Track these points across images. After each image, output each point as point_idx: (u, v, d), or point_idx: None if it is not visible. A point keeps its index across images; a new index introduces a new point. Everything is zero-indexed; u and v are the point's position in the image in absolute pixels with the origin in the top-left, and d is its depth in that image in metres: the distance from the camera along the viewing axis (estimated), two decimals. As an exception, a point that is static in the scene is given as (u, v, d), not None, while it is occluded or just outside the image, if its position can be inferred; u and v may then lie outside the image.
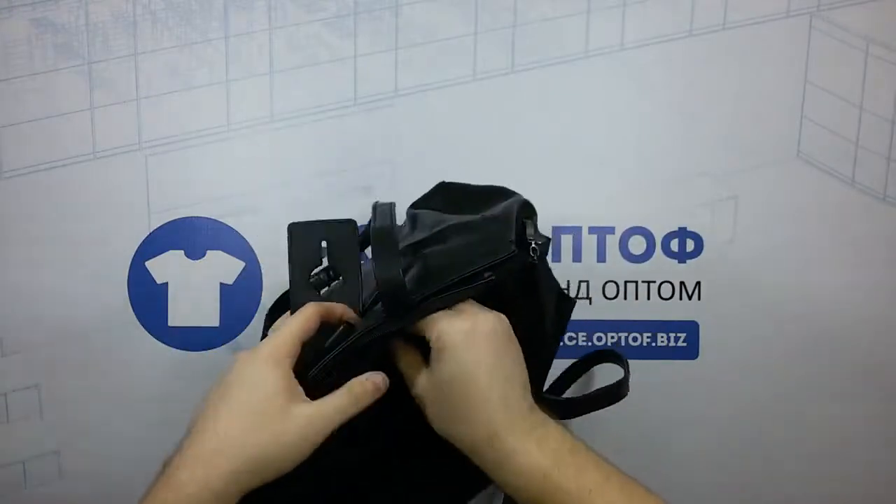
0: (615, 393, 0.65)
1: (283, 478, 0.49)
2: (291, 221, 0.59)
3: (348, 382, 0.52)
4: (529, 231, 0.58)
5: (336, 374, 0.52)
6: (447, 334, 0.51)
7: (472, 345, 0.50)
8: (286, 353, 0.50)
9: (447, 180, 0.69)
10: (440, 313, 0.52)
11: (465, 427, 0.50)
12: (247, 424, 0.48)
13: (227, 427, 0.49)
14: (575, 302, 0.67)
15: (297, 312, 0.53)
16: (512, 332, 0.53)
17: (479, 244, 0.57)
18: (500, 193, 0.64)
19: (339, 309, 0.54)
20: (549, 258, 0.75)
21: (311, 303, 0.54)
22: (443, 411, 0.51)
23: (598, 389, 0.68)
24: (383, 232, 0.54)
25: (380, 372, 0.53)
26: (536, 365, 0.60)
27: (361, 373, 0.53)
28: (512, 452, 0.49)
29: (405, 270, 0.55)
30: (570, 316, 0.66)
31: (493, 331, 0.51)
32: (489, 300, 0.55)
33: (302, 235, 0.58)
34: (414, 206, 0.68)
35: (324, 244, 0.58)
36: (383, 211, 0.57)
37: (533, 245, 0.57)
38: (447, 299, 0.53)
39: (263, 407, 0.49)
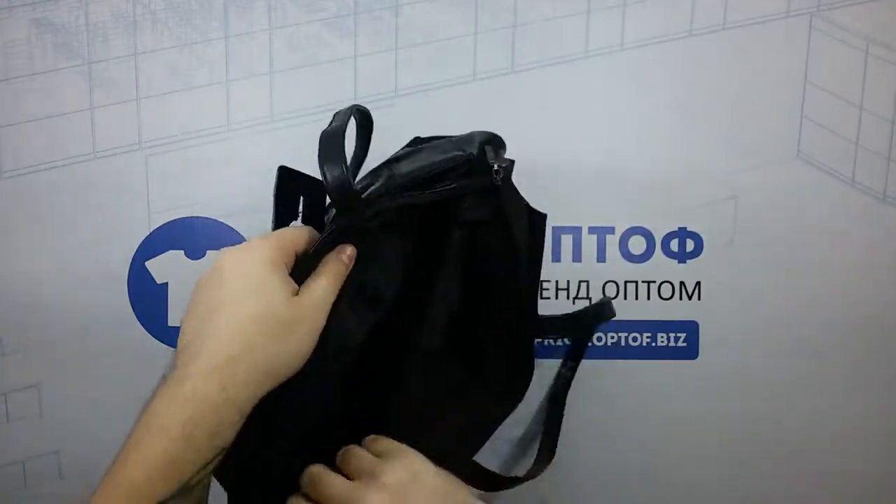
0: (600, 314, 0.68)
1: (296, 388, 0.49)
2: (281, 165, 0.58)
3: (324, 261, 0.52)
4: (490, 155, 0.59)
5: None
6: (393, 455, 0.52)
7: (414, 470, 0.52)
8: (284, 256, 0.50)
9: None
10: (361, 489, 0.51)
11: None
12: (260, 330, 0.47)
13: (241, 334, 0.47)
14: (545, 215, 0.66)
15: (292, 228, 0.54)
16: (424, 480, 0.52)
17: (443, 156, 0.59)
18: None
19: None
20: (548, 253, 0.75)
21: (305, 227, 0.54)
22: None
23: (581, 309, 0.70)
24: (330, 133, 0.55)
25: (347, 244, 0.54)
26: (521, 289, 0.63)
27: None
28: None
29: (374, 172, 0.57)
30: (544, 231, 0.67)
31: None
32: (457, 228, 0.58)
33: (286, 183, 0.57)
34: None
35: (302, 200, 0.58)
36: (340, 114, 0.58)
37: (495, 167, 0.59)
38: (403, 198, 0.55)
39: (274, 311, 0.48)
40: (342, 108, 0.60)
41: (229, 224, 0.78)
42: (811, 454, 0.80)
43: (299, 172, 0.58)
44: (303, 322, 0.49)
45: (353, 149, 0.65)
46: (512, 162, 0.62)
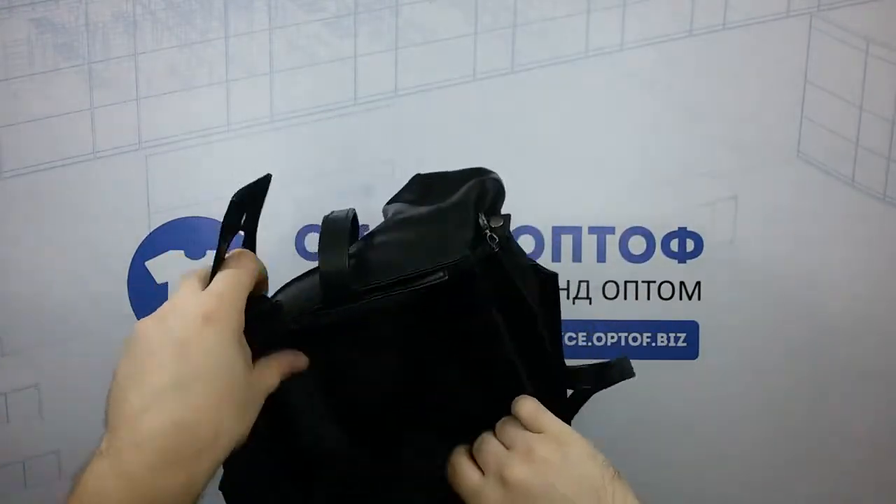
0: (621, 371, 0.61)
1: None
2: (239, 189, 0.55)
3: (280, 356, 0.49)
4: (483, 221, 0.54)
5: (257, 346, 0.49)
6: (518, 482, 0.48)
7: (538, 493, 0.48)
8: (241, 322, 0.46)
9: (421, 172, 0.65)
10: (495, 454, 0.50)
11: None
12: (225, 417, 0.43)
13: (211, 421, 0.43)
14: (556, 275, 0.60)
15: (241, 263, 0.49)
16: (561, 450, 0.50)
17: (433, 238, 0.54)
18: (475, 175, 0.60)
19: (259, 275, 0.51)
20: (548, 253, 0.75)
21: (245, 255, 0.50)
22: None
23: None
24: (333, 222, 0.53)
25: (301, 356, 0.51)
26: (541, 353, 0.57)
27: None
28: None
29: (352, 256, 0.52)
30: (557, 290, 0.61)
31: (546, 461, 0.49)
32: (457, 307, 0.52)
33: (239, 203, 0.54)
34: (388, 202, 0.63)
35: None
36: (339, 214, 0.55)
37: (489, 235, 0.53)
38: (392, 297, 0.50)
39: (235, 388, 0.44)
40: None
41: (229, 224, 0.78)
42: (811, 453, 0.80)
43: (251, 186, 0.55)
44: (255, 404, 0.46)
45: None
46: (507, 218, 0.56)
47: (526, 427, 0.51)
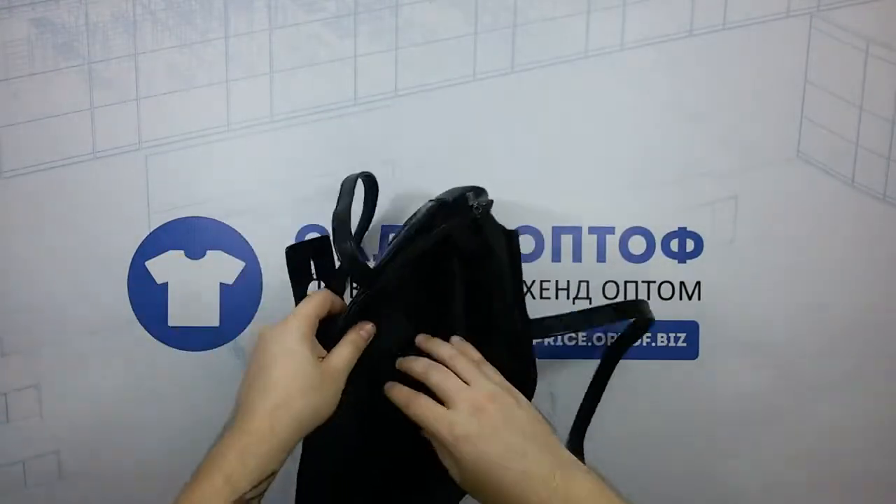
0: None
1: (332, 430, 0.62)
2: (288, 245, 0.67)
3: (347, 334, 0.65)
4: (471, 200, 0.68)
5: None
6: (458, 425, 0.60)
7: (483, 429, 0.60)
8: (311, 329, 0.63)
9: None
10: (439, 407, 0.61)
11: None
12: (296, 387, 0.60)
13: (282, 390, 0.59)
14: (517, 231, 0.72)
15: (311, 296, 0.65)
16: (509, 386, 0.64)
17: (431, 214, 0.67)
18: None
19: (338, 302, 0.67)
20: (548, 253, 0.78)
21: (322, 290, 0.66)
22: (482, 494, 0.60)
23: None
24: (337, 217, 0.64)
25: (367, 322, 0.66)
26: (512, 302, 0.70)
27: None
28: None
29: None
30: (519, 248, 0.72)
31: (493, 397, 0.61)
32: (454, 261, 0.67)
33: (293, 257, 0.67)
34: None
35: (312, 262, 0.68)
36: (347, 184, 0.68)
37: (475, 206, 0.68)
38: (404, 256, 0.64)
39: (305, 372, 0.60)
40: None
41: (229, 224, 0.78)
42: (812, 453, 0.80)
43: (302, 243, 0.67)
44: (326, 383, 0.61)
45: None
46: (490, 201, 0.71)
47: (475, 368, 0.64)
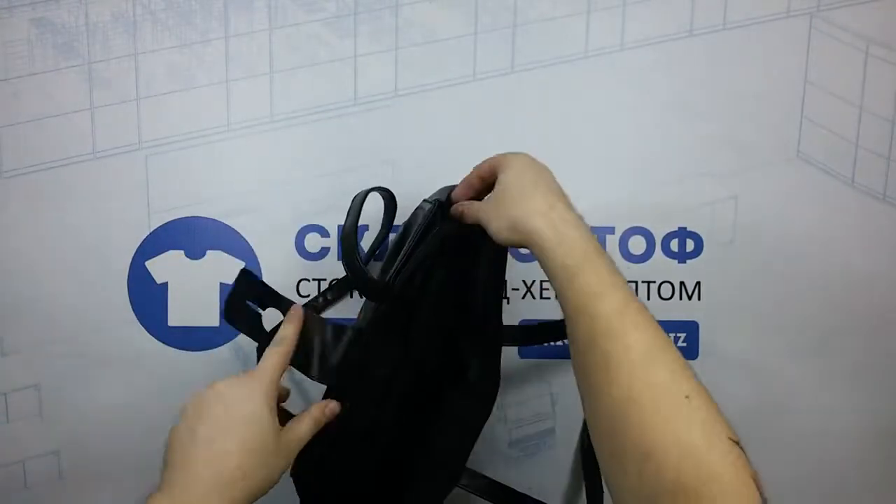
0: None
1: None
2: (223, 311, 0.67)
3: (310, 408, 0.61)
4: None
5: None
6: (505, 158, 0.61)
7: (521, 159, 0.61)
8: (275, 391, 0.58)
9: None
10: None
11: (528, 203, 0.57)
12: (255, 460, 0.55)
13: (239, 462, 0.54)
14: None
15: (273, 353, 0.59)
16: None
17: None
18: None
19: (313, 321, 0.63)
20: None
21: (280, 348, 0.60)
22: (505, 204, 0.58)
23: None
24: (344, 235, 0.65)
25: (333, 401, 0.62)
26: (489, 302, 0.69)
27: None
28: (567, 218, 0.56)
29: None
30: (505, 251, 0.70)
31: (529, 157, 0.62)
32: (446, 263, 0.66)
33: (233, 316, 0.64)
34: None
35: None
36: (354, 204, 0.66)
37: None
38: (412, 264, 0.64)
39: (266, 443, 0.56)
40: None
41: (229, 224, 0.78)
42: (812, 453, 0.80)
43: (228, 299, 0.64)
44: (282, 455, 0.57)
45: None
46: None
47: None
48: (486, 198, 0.62)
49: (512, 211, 0.57)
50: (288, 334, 0.61)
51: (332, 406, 0.62)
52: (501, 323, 0.70)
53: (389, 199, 0.73)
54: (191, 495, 0.52)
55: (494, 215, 0.59)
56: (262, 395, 0.56)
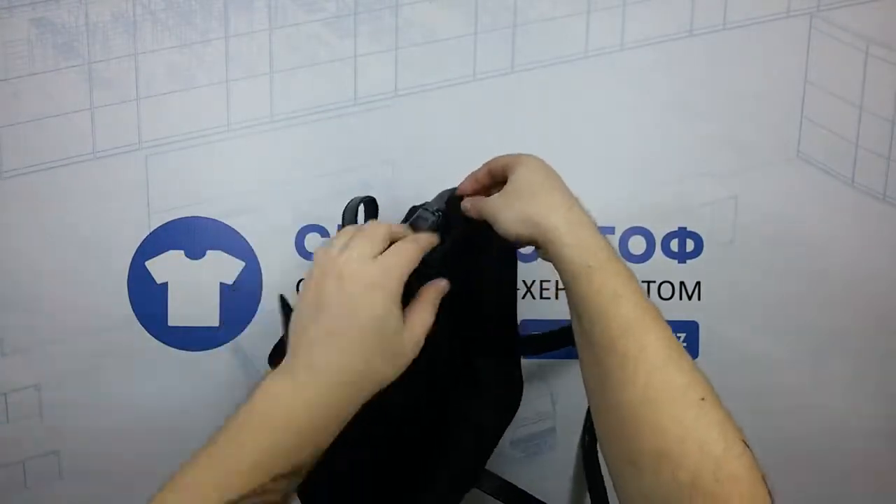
0: None
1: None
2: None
3: (421, 297, 0.58)
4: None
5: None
6: (519, 157, 0.61)
7: (534, 160, 0.61)
8: (401, 288, 0.55)
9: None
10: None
11: (544, 199, 0.57)
12: (380, 358, 0.53)
13: (366, 356, 0.53)
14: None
15: (405, 249, 0.56)
16: None
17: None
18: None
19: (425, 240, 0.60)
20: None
21: (414, 243, 0.58)
22: (517, 199, 0.58)
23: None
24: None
25: (441, 279, 0.60)
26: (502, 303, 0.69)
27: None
28: (583, 219, 0.56)
29: None
30: (514, 253, 0.70)
31: (541, 160, 0.62)
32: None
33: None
34: None
35: None
36: (347, 216, 0.65)
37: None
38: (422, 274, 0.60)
39: (392, 341, 0.54)
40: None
41: (229, 224, 0.78)
42: (812, 453, 0.80)
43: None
44: (406, 352, 0.55)
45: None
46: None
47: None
48: (494, 195, 0.62)
49: (525, 206, 0.57)
50: (426, 238, 0.59)
51: (442, 285, 0.59)
52: (516, 325, 0.69)
53: (372, 209, 0.71)
54: (316, 385, 0.51)
55: (505, 210, 0.58)
56: (390, 293, 0.53)
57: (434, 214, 0.64)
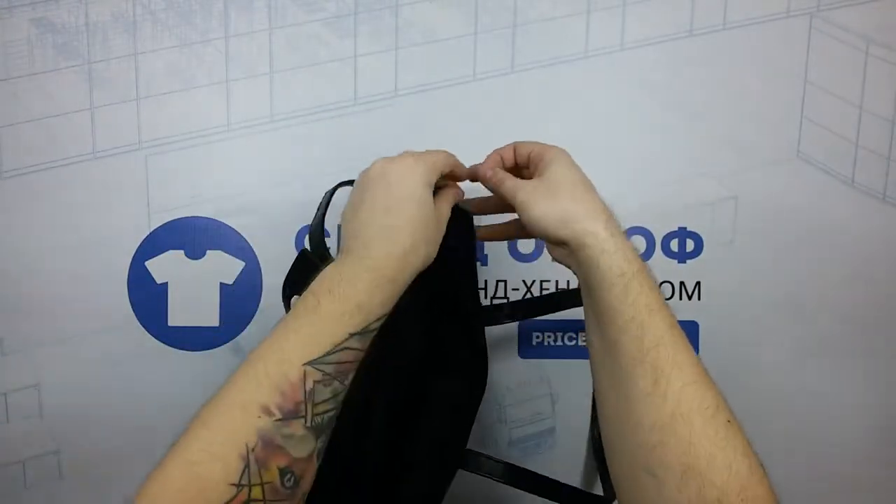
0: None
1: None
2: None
3: (446, 190, 0.64)
4: None
5: None
6: (553, 149, 0.63)
7: (568, 157, 0.63)
8: (434, 179, 0.61)
9: None
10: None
11: (585, 202, 0.58)
12: (421, 236, 0.58)
13: (409, 237, 0.57)
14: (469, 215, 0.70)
15: (440, 152, 0.63)
16: None
17: None
18: None
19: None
20: (549, 255, 0.76)
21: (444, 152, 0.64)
22: (557, 195, 0.59)
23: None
24: (312, 231, 0.67)
25: (457, 186, 0.66)
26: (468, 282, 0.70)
27: None
28: (619, 228, 0.57)
29: None
30: (472, 227, 0.70)
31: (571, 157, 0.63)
32: None
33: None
34: None
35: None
36: (325, 197, 0.68)
37: None
38: None
39: (428, 221, 0.59)
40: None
41: (229, 224, 0.78)
42: (812, 453, 0.80)
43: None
44: (439, 232, 0.60)
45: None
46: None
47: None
48: (527, 180, 0.63)
49: (568, 205, 0.58)
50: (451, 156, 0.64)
51: (456, 190, 0.65)
52: (479, 299, 0.71)
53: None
54: (374, 258, 0.56)
55: (543, 202, 0.59)
56: (422, 177, 0.59)
57: None
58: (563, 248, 0.58)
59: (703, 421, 0.49)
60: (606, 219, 0.56)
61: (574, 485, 0.80)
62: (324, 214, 0.66)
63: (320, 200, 0.67)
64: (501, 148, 0.66)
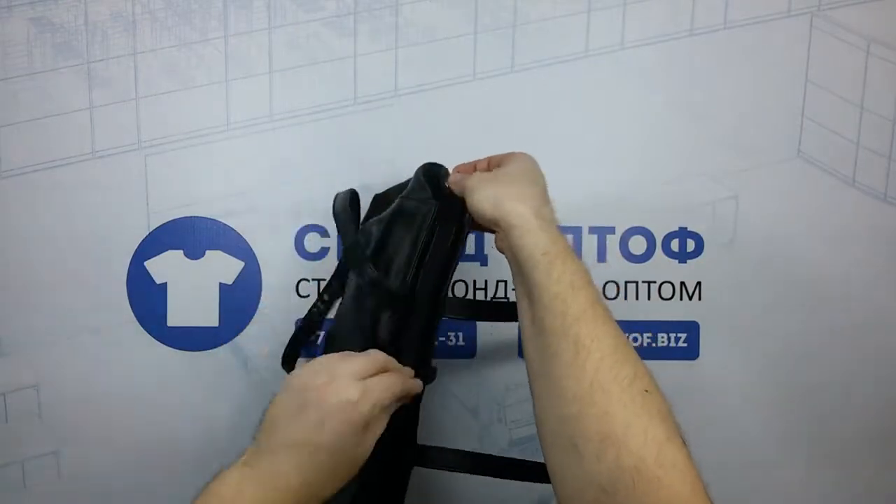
0: None
1: None
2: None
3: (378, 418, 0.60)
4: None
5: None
6: (516, 153, 0.65)
7: (528, 158, 0.64)
8: (382, 422, 0.59)
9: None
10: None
11: (520, 188, 0.60)
12: (334, 479, 0.57)
13: (342, 478, 0.57)
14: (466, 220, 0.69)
15: (391, 380, 0.60)
16: None
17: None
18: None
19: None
20: None
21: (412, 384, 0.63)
22: (495, 182, 0.61)
23: None
24: (338, 210, 0.70)
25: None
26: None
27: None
28: (551, 217, 0.58)
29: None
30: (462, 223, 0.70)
31: (535, 161, 0.64)
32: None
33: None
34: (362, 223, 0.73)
35: None
36: (342, 220, 0.70)
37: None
38: (430, 268, 0.65)
39: (356, 463, 0.57)
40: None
41: (229, 224, 0.78)
42: (812, 453, 0.80)
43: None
44: (354, 472, 0.58)
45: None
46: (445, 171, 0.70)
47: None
48: (477, 174, 0.64)
49: (501, 190, 0.59)
50: (413, 384, 0.62)
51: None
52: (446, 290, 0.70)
53: (355, 202, 0.73)
54: (275, 488, 0.54)
55: (481, 188, 0.61)
56: (377, 432, 0.58)
57: (426, 203, 0.66)
58: (499, 232, 0.59)
59: (620, 390, 0.50)
60: (538, 205, 0.58)
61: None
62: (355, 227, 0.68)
63: (337, 219, 0.69)
64: (477, 160, 0.67)
